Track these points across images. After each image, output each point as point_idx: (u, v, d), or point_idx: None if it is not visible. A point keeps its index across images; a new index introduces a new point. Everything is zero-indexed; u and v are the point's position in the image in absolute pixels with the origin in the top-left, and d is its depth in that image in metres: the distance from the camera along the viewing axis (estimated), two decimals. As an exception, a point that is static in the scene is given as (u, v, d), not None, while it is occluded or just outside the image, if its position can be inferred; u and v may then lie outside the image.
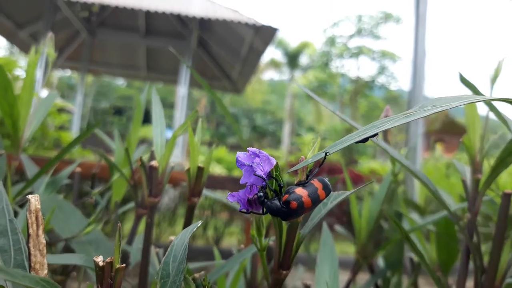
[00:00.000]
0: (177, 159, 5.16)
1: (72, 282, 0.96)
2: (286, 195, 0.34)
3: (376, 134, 0.34)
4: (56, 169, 0.86)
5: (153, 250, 0.63)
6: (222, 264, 0.59)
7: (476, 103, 0.60)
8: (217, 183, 2.69)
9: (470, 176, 0.58)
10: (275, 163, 0.36)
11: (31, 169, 0.90)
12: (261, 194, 0.34)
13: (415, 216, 0.99)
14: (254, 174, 0.34)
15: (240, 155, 0.36)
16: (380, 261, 1.00)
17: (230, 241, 3.61)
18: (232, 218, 3.91)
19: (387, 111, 0.70)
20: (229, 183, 2.60)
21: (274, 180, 0.35)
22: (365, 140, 0.35)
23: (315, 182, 0.35)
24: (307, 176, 0.36)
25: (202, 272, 0.47)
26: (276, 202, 0.34)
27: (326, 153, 0.33)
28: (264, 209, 0.34)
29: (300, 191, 0.34)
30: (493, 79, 0.59)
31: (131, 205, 0.86)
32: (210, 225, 3.77)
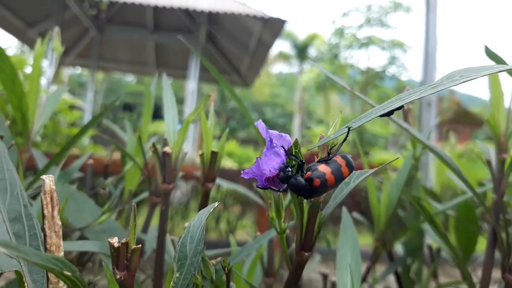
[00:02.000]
0: (188, 154, 5.18)
1: (88, 274, 0.96)
2: (309, 172, 0.32)
3: (402, 107, 0.32)
4: (68, 163, 0.86)
5: (168, 238, 0.62)
6: (238, 251, 0.57)
7: (501, 81, 0.57)
8: (228, 176, 2.69)
9: (495, 157, 0.56)
10: (289, 139, 0.35)
11: (42, 163, 0.90)
12: (288, 170, 0.32)
13: (433, 203, 0.97)
14: (274, 153, 0.33)
15: (260, 124, 0.34)
16: (399, 249, 0.98)
17: (243, 234, 3.61)
18: (244, 211, 3.91)
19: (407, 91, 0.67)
20: (240, 177, 2.59)
21: (294, 157, 0.33)
22: (390, 113, 0.33)
23: (338, 159, 0.33)
24: (329, 154, 0.35)
25: (219, 258, 0.45)
26: (300, 179, 0.32)
27: (349, 128, 0.32)
28: (284, 186, 0.33)
29: (324, 168, 0.32)
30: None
31: (145, 195, 0.85)
32: (223, 218, 3.78)
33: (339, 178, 0.33)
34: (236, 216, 3.84)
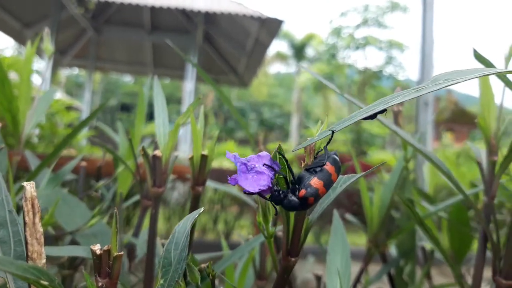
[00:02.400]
0: (185, 155, 5.17)
1: (81, 277, 0.95)
2: (303, 190, 0.31)
3: (385, 110, 0.32)
4: (62, 164, 0.85)
5: (159, 241, 0.62)
6: (230, 254, 0.57)
7: (491, 84, 0.57)
8: (226, 176, 2.68)
9: (486, 159, 0.56)
10: (267, 154, 0.34)
11: (35, 164, 0.90)
12: (280, 191, 0.31)
13: (425, 204, 0.97)
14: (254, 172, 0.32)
15: (228, 155, 0.33)
16: (392, 251, 0.98)
17: (241, 233, 3.61)
18: (242, 212, 3.91)
19: (398, 91, 0.67)
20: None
21: (279, 171, 0.33)
22: (373, 116, 0.33)
23: (328, 167, 0.33)
24: (315, 158, 0.34)
25: (207, 264, 0.45)
26: (294, 199, 0.31)
27: (332, 131, 0.31)
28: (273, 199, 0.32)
29: (317, 183, 0.32)
30: (508, 57, 0.56)
31: (137, 198, 0.85)
32: (220, 219, 3.78)
33: (329, 187, 0.33)
34: (233, 216, 3.83)
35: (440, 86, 0.32)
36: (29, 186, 0.30)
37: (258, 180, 0.31)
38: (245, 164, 0.32)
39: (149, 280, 0.56)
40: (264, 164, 0.32)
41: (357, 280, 0.80)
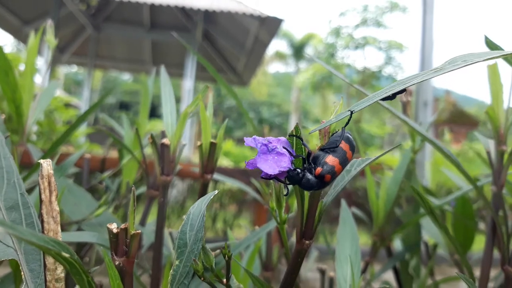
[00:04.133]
0: (185, 152, 5.17)
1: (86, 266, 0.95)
2: (319, 168, 0.31)
3: (404, 90, 0.32)
4: (63, 160, 0.85)
5: (166, 231, 0.62)
6: (237, 243, 0.57)
7: (500, 74, 0.57)
8: (225, 174, 2.68)
9: (495, 148, 0.56)
10: (284, 139, 0.33)
11: (38, 157, 0.89)
12: (298, 171, 0.31)
13: (430, 198, 0.97)
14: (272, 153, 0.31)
15: (248, 140, 0.33)
16: (397, 245, 0.98)
17: (240, 233, 3.61)
18: (240, 210, 3.90)
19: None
20: (238, 174, 2.59)
21: (299, 146, 0.33)
22: (392, 97, 0.33)
23: (343, 145, 0.33)
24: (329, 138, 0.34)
25: (218, 250, 0.45)
26: (311, 177, 0.31)
27: (351, 112, 0.31)
28: (289, 181, 0.32)
29: (332, 161, 0.32)
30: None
31: (142, 189, 0.85)
32: (219, 217, 3.77)
33: (345, 165, 0.33)
34: (232, 215, 3.83)
35: (458, 66, 0.32)
36: (46, 164, 0.30)
37: (279, 162, 0.31)
38: (266, 145, 0.32)
39: (156, 270, 0.56)
40: (284, 147, 0.32)
41: (363, 271, 0.79)
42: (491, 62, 0.56)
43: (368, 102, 0.30)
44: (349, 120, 0.33)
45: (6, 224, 0.18)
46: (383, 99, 0.31)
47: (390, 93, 0.30)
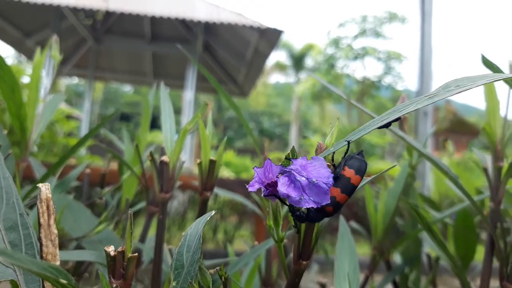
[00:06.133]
0: (186, 164, 5.15)
1: (85, 285, 0.95)
2: None
3: (399, 118, 0.33)
4: (65, 173, 0.85)
5: (165, 247, 0.62)
6: (236, 260, 0.57)
7: (496, 89, 0.57)
8: (226, 185, 2.68)
9: (492, 164, 0.56)
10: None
11: (40, 172, 0.90)
12: (302, 211, 0.31)
13: (431, 211, 0.97)
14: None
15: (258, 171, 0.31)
16: (397, 258, 0.98)
17: (240, 244, 3.60)
18: (241, 221, 3.89)
19: (403, 99, 0.68)
20: (238, 186, 2.60)
21: None
22: (388, 125, 0.33)
23: (346, 172, 0.32)
24: (333, 166, 0.33)
25: (217, 268, 0.45)
26: (312, 211, 0.31)
27: (348, 142, 0.32)
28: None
29: (333, 192, 0.31)
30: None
31: (142, 205, 0.85)
32: (220, 228, 3.76)
33: (351, 191, 0.32)
34: (233, 226, 3.82)
35: (452, 92, 0.32)
36: (44, 188, 0.30)
37: (320, 171, 0.29)
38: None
39: (156, 286, 0.56)
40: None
41: (363, 285, 0.79)
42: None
43: (364, 131, 0.31)
44: (347, 150, 0.33)
45: (6, 253, 0.19)
46: (380, 127, 0.32)
47: (386, 121, 0.31)
